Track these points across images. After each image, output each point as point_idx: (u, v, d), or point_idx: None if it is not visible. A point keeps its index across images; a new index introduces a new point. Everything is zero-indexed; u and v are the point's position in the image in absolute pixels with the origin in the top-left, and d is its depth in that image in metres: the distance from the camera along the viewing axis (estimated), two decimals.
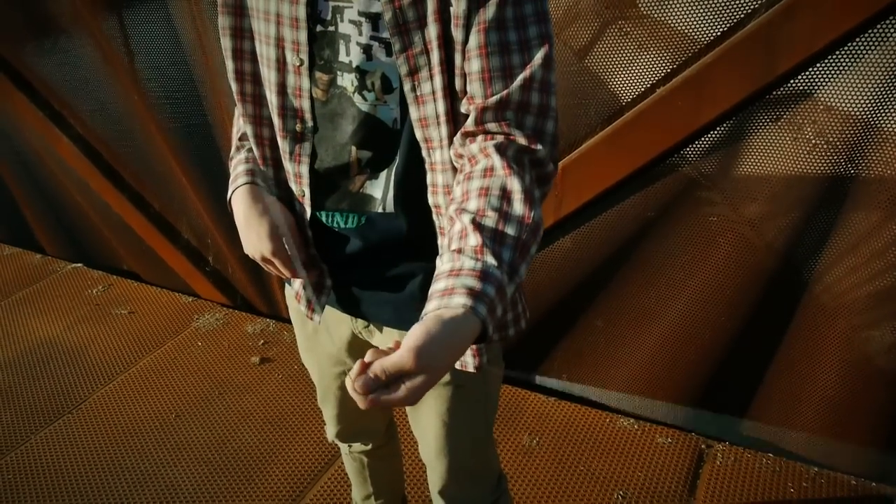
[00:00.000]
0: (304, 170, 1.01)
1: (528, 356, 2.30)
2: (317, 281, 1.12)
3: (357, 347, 1.22)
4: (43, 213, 3.34)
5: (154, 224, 2.90)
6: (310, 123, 0.98)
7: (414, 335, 0.69)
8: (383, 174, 0.98)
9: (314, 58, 0.93)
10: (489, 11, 0.83)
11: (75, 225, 3.24)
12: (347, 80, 0.93)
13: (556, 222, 1.99)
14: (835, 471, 1.97)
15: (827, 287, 1.75)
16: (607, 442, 2.13)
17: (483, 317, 0.72)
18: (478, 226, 0.78)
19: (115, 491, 2.06)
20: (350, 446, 1.53)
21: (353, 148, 0.96)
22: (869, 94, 1.52)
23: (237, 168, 1.08)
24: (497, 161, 0.83)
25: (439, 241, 1.00)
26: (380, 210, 1.00)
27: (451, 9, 0.84)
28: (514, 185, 0.82)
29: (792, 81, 1.57)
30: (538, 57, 0.85)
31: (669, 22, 1.63)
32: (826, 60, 1.52)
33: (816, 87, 1.56)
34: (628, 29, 1.68)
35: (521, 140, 0.86)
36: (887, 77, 1.49)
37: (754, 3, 1.53)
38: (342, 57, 0.92)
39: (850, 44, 1.49)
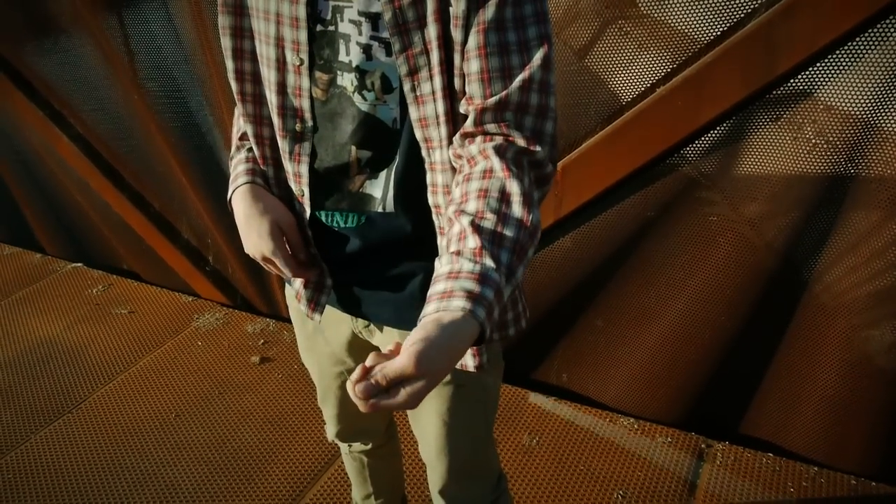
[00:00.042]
0: (304, 169, 1.01)
1: (529, 356, 2.30)
2: (317, 280, 1.12)
3: (357, 347, 1.22)
4: (43, 212, 3.34)
5: (154, 224, 2.90)
6: (309, 123, 0.98)
7: (414, 340, 0.69)
8: (383, 174, 0.98)
9: (314, 57, 0.93)
10: (488, 12, 0.83)
11: (75, 224, 3.24)
12: (347, 80, 0.93)
13: (556, 222, 1.99)
14: (835, 470, 1.97)
15: (827, 286, 1.75)
16: (607, 441, 2.13)
17: (481, 320, 0.72)
18: (476, 228, 0.78)
19: (115, 490, 2.06)
20: (350, 446, 1.53)
21: (353, 147, 0.97)
22: (869, 93, 1.52)
23: (237, 168, 1.08)
24: (496, 163, 0.83)
25: (439, 241, 1.00)
26: (380, 210, 1.00)
27: (451, 9, 0.84)
28: (513, 188, 0.82)
29: (792, 81, 1.57)
30: (537, 58, 0.85)
31: (669, 21, 1.63)
32: (826, 60, 1.52)
33: (816, 87, 1.56)
34: (628, 28, 1.68)
35: (520, 141, 0.86)
36: (887, 77, 1.49)
37: (754, 2, 1.53)
38: (342, 56, 0.92)
39: (850, 43, 1.49)
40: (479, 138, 0.87)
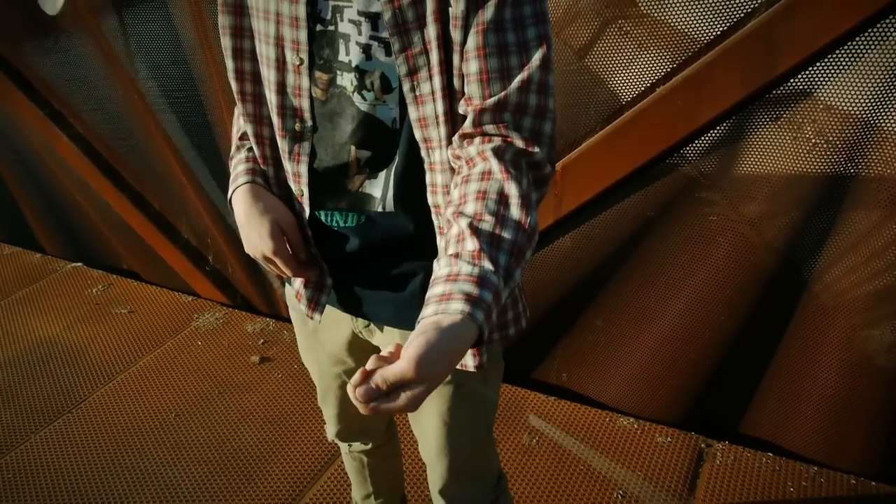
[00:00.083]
0: (303, 169, 1.01)
1: (529, 355, 2.30)
2: (317, 280, 1.12)
3: (357, 347, 1.22)
4: (43, 212, 3.34)
5: (154, 223, 2.90)
6: (309, 123, 0.98)
7: (414, 345, 0.69)
8: (382, 174, 0.98)
9: (314, 57, 0.93)
10: (488, 13, 0.83)
11: (75, 224, 3.24)
12: (347, 80, 0.93)
13: (556, 221, 1.99)
14: (834, 470, 1.97)
15: (827, 286, 1.76)
16: (607, 441, 2.13)
17: (480, 322, 0.73)
18: (475, 230, 0.78)
19: (115, 490, 2.06)
20: (350, 446, 1.53)
21: (353, 147, 0.97)
22: (869, 93, 1.52)
23: (237, 167, 1.08)
24: (495, 165, 0.83)
25: (438, 241, 1.00)
26: (379, 209, 1.00)
27: (450, 9, 0.84)
28: (512, 190, 0.82)
29: (792, 81, 1.57)
30: (536, 58, 0.85)
31: (669, 21, 1.63)
32: (826, 60, 1.52)
33: (816, 87, 1.56)
34: (628, 28, 1.68)
35: (519, 142, 0.86)
36: (887, 77, 1.49)
37: (754, 2, 1.53)
38: (342, 56, 0.92)
39: (849, 43, 1.49)
40: (477, 139, 0.87)
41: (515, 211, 0.81)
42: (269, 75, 0.97)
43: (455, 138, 0.89)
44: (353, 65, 0.91)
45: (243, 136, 1.11)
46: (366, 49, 0.90)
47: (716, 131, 1.70)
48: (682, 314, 1.97)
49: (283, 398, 2.41)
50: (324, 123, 0.97)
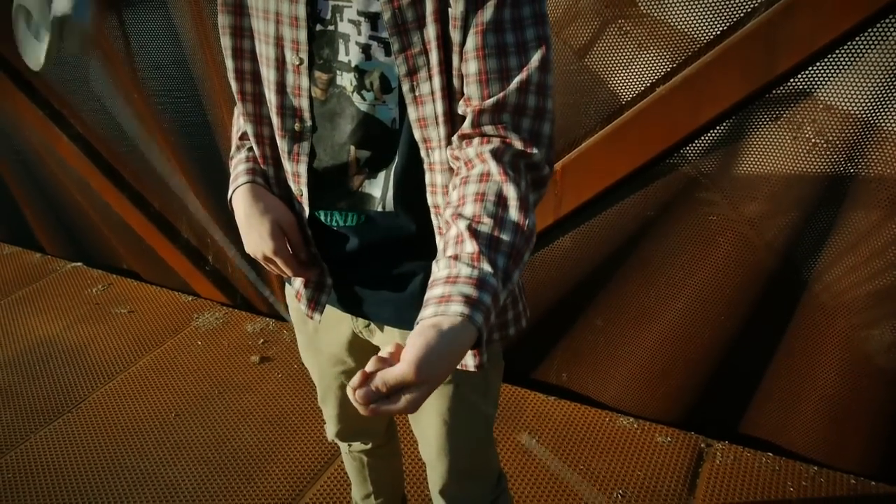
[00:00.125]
0: (303, 169, 1.01)
1: (528, 355, 2.30)
2: (317, 280, 1.12)
3: (357, 347, 1.22)
4: (43, 212, 3.34)
5: (154, 223, 2.90)
6: (308, 123, 0.98)
7: (414, 347, 0.69)
8: (382, 174, 0.98)
9: (313, 57, 0.93)
10: (487, 13, 0.83)
11: (75, 224, 3.24)
12: (346, 80, 0.93)
13: (556, 221, 1.99)
14: (834, 470, 1.97)
15: (826, 286, 1.76)
16: (607, 441, 2.13)
17: (479, 325, 0.73)
18: (474, 232, 0.79)
19: (115, 490, 2.06)
20: (350, 445, 1.53)
21: (352, 147, 0.97)
22: (869, 93, 1.52)
23: (237, 167, 1.08)
24: (493, 166, 0.83)
25: (438, 241, 1.00)
26: (379, 209, 1.00)
27: (450, 10, 0.84)
28: (510, 192, 0.82)
29: (792, 80, 1.57)
30: (535, 59, 0.85)
31: (669, 21, 1.63)
32: (826, 59, 1.52)
33: (816, 86, 1.56)
34: (628, 28, 1.68)
35: (518, 144, 0.86)
36: (887, 76, 1.49)
37: (754, 2, 1.53)
38: (341, 56, 0.92)
39: (849, 43, 1.49)
40: (476, 140, 0.87)
41: (514, 213, 0.81)
42: (268, 75, 0.97)
43: (454, 139, 0.89)
44: (353, 65, 0.91)
45: (243, 136, 1.11)
46: (365, 49, 0.90)
47: (716, 131, 1.70)
48: (682, 314, 1.97)
49: (282, 398, 2.41)
50: (323, 123, 0.97)
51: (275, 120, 1.00)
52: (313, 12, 0.91)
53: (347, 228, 1.03)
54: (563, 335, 2.20)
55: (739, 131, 1.68)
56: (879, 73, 1.49)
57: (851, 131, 1.57)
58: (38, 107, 2.90)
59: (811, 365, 1.86)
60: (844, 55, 1.50)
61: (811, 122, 1.59)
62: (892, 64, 1.47)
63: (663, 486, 1.97)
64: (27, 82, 2.88)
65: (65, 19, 0.76)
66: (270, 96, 0.98)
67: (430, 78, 0.88)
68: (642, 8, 1.65)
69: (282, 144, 1.01)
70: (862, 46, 1.48)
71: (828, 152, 1.61)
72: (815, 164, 1.63)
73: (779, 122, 1.63)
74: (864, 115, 1.54)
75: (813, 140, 1.61)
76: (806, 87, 1.57)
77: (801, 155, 1.63)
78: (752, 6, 1.53)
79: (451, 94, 0.88)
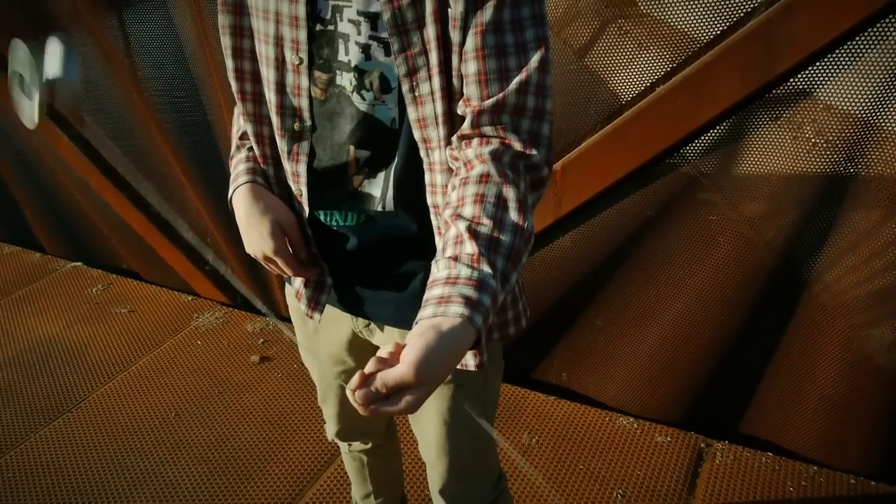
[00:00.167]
0: (302, 169, 1.01)
1: (528, 355, 2.30)
2: (317, 280, 1.12)
3: (358, 346, 1.22)
4: (43, 211, 3.34)
5: (154, 223, 2.90)
6: (308, 122, 0.98)
7: (414, 348, 0.69)
8: (382, 173, 0.98)
9: (313, 57, 0.93)
10: (486, 14, 0.83)
11: (75, 224, 3.24)
12: (346, 80, 0.93)
13: (556, 221, 1.99)
14: (834, 469, 1.97)
15: (826, 286, 1.76)
16: (607, 441, 2.13)
17: (479, 326, 0.73)
18: (473, 233, 0.79)
19: (115, 489, 2.06)
20: (350, 445, 1.53)
21: (352, 147, 0.97)
22: (869, 93, 1.52)
23: (238, 167, 1.08)
24: (493, 168, 0.83)
25: (437, 241, 1.00)
26: (379, 209, 1.00)
27: (450, 10, 0.84)
28: (510, 194, 0.82)
29: (791, 80, 1.57)
30: (534, 60, 0.85)
31: (669, 20, 1.63)
32: (826, 59, 1.52)
33: (816, 86, 1.56)
34: (628, 27, 1.68)
35: (517, 145, 0.86)
36: (887, 76, 1.49)
37: (754, 1, 1.53)
38: (341, 56, 0.92)
39: (849, 42, 1.49)
40: (475, 141, 0.87)
41: (513, 215, 0.81)
42: (268, 74, 0.97)
43: (453, 139, 0.89)
44: (353, 65, 0.91)
45: (243, 136, 1.11)
46: (365, 49, 0.90)
47: (716, 131, 1.70)
48: (682, 314, 1.97)
49: (282, 398, 2.41)
50: (323, 123, 0.97)
51: (274, 119, 1.00)
52: (313, 12, 0.91)
53: (347, 228, 1.03)
54: (563, 335, 2.20)
55: (739, 131, 1.68)
56: (879, 73, 1.49)
57: (851, 131, 1.57)
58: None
59: (811, 364, 1.87)
60: (844, 55, 1.50)
61: (811, 122, 1.59)
62: (892, 64, 1.47)
63: (663, 486, 1.97)
64: None
65: (55, 80, 0.80)
66: (270, 96, 0.98)
67: (430, 78, 0.88)
68: (642, 8, 1.65)
69: (281, 144, 1.01)
70: (862, 46, 1.48)
71: (828, 152, 1.61)
72: (815, 164, 1.63)
73: (779, 122, 1.63)
74: (863, 115, 1.54)
75: (813, 140, 1.61)
76: (806, 86, 1.57)
77: (801, 155, 1.63)
78: (751, 6, 1.53)
79: (450, 95, 0.88)
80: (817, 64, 1.53)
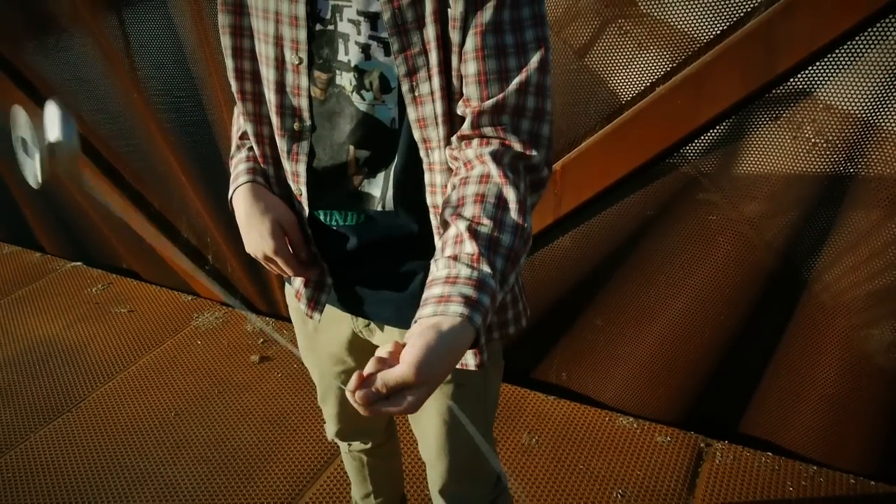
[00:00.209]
0: (302, 168, 1.01)
1: (528, 354, 2.30)
2: (317, 279, 1.12)
3: (358, 346, 1.22)
4: (42, 211, 3.34)
5: (154, 223, 2.90)
6: (308, 122, 0.98)
7: (414, 348, 0.69)
8: (381, 173, 0.98)
9: (313, 56, 0.93)
10: (486, 14, 0.83)
11: (75, 223, 3.24)
12: (346, 80, 0.93)
13: (556, 221, 1.99)
14: (833, 469, 1.97)
15: (826, 285, 1.76)
16: (606, 440, 2.13)
17: (478, 326, 0.73)
18: (474, 233, 0.79)
19: (115, 489, 2.06)
20: (350, 445, 1.53)
21: (351, 147, 0.97)
22: (868, 93, 1.52)
23: (238, 167, 1.08)
24: (493, 168, 0.83)
25: (436, 241, 1.00)
26: (379, 208, 1.00)
27: (449, 10, 0.84)
28: (510, 195, 0.82)
29: (791, 80, 1.57)
30: (534, 60, 0.85)
31: (669, 20, 1.63)
32: (826, 59, 1.52)
33: (816, 86, 1.56)
34: (628, 27, 1.68)
35: (517, 145, 0.86)
36: (887, 76, 1.49)
37: (754, 1, 1.53)
38: (341, 56, 0.92)
39: (849, 43, 1.49)
40: (475, 141, 0.87)
41: (513, 216, 0.81)
42: (268, 74, 0.97)
43: (453, 139, 0.89)
44: (352, 64, 0.91)
45: (243, 136, 1.11)
46: (365, 49, 0.90)
47: (715, 131, 1.70)
48: (682, 313, 1.97)
49: (282, 397, 2.41)
50: (322, 123, 0.97)
51: (274, 119, 1.00)
52: (313, 12, 0.91)
53: (347, 228, 1.03)
54: (562, 335, 2.20)
55: (739, 131, 1.68)
56: (879, 73, 1.49)
57: (851, 131, 1.57)
58: (38, 106, 2.90)
59: (811, 364, 1.87)
60: (844, 55, 1.50)
61: (811, 122, 1.59)
62: (892, 64, 1.47)
63: (663, 486, 1.97)
64: (27, 81, 2.88)
65: (56, 144, 0.84)
66: (270, 95, 0.98)
67: (430, 78, 0.88)
68: (642, 7, 1.65)
69: (281, 144, 1.01)
70: (862, 46, 1.48)
71: (828, 152, 1.61)
72: (814, 163, 1.63)
73: (778, 122, 1.63)
74: (863, 115, 1.54)
75: (813, 140, 1.61)
76: (806, 86, 1.57)
77: (801, 155, 1.64)
78: (751, 6, 1.53)
79: (450, 95, 0.88)
80: (817, 64, 1.53)
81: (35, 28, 2.70)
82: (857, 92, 1.52)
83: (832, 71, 1.53)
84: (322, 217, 1.04)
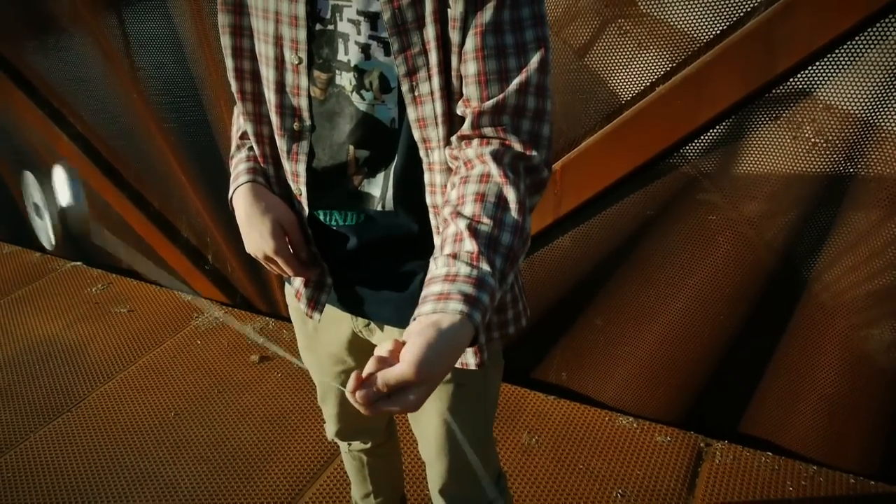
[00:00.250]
0: (302, 168, 1.01)
1: (528, 354, 2.30)
2: (317, 279, 1.12)
3: (357, 346, 1.22)
4: None
5: (153, 222, 2.90)
6: (307, 122, 0.98)
7: (414, 346, 0.69)
8: (381, 173, 0.98)
9: (313, 56, 0.93)
10: (486, 14, 0.83)
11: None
12: (346, 79, 0.93)
13: (556, 221, 1.99)
14: (833, 469, 1.97)
15: (826, 285, 1.76)
16: (606, 440, 2.13)
17: (477, 323, 0.73)
18: (474, 231, 0.79)
19: (115, 489, 2.06)
20: (349, 444, 1.53)
21: (351, 147, 0.97)
22: (868, 92, 1.52)
23: (238, 167, 1.08)
24: (493, 168, 0.83)
25: (436, 240, 1.00)
26: (379, 208, 1.00)
27: (449, 10, 0.84)
28: (510, 195, 0.82)
29: (791, 80, 1.57)
30: (534, 61, 0.85)
31: (669, 20, 1.63)
32: (825, 59, 1.52)
33: (816, 86, 1.56)
34: (628, 27, 1.68)
35: (517, 146, 0.86)
36: (887, 76, 1.49)
37: (753, 1, 1.53)
38: (340, 56, 0.92)
39: (849, 42, 1.49)
40: (475, 141, 0.87)
41: (513, 215, 0.81)
42: (267, 74, 0.97)
43: (453, 139, 0.89)
44: (352, 64, 0.91)
45: (243, 136, 1.11)
46: (365, 49, 0.90)
47: (715, 131, 1.70)
48: (682, 313, 1.97)
49: (282, 397, 2.41)
50: (322, 123, 0.97)
51: (274, 119, 1.00)
52: (313, 11, 0.91)
53: (347, 228, 1.03)
54: (562, 334, 2.20)
55: (739, 131, 1.68)
56: (879, 73, 1.49)
57: (851, 131, 1.57)
58: (38, 106, 2.90)
59: (810, 364, 1.87)
60: (844, 55, 1.50)
61: (811, 122, 1.59)
62: (892, 64, 1.47)
63: (663, 486, 1.97)
64: (27, 81, 2.88)
65: (67, 208, 0.86)
66: (270, 95, 0.98)
67: (430, 78, 0.88)
68: (642, 7, 1.65)
69: (281, 143, 1.01)
70: (862, 46, 1.48)
71: (827, 152, 1.61)
72: (814, 163, 1.63)
73: (778, 122, 1.63)
74: (863, 115, 1.54)
75: (812, 140, 1.61)
76: (805, 86, 1.57)
77: (801, 155, 1.64)
78: (751, 6, 1.53)
79: (450, 95, 0.88)
80: (817, 64, 1.53)
81: (35, 28, 2.70)
82: (857, 92, 1.52)
83: (832, 71, 1.53)
84: (322, 217, 1.04)
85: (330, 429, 1.47)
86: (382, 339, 1.15)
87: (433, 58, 0.86)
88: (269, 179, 1.07)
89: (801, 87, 1.57)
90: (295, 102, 0.97)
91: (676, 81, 1.66)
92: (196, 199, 2.69)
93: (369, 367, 0.71)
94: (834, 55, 1.51)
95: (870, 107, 1.53)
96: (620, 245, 1.96)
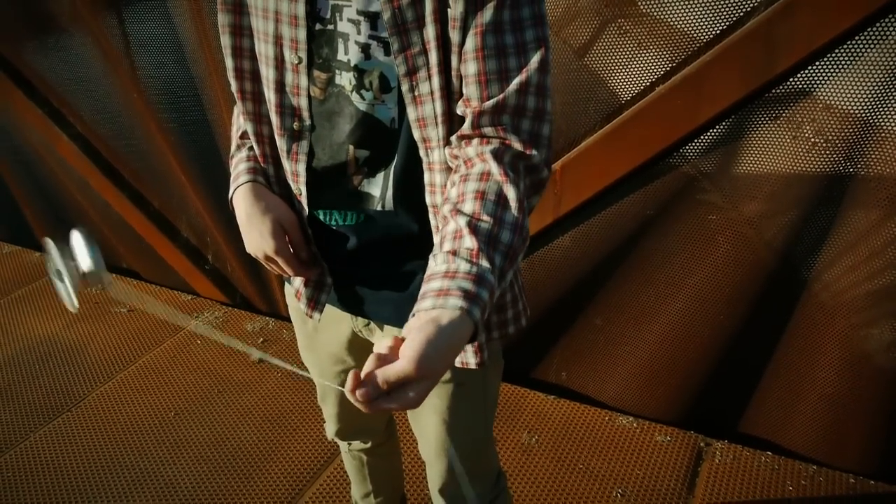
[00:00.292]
0: (301, 168, 1.01)
1: (528, 354, 2.30)
2: (317, 279, 1.12)
3: (357, 346, 1.22)
4: (42, 211, 3.34)
5: (153, 222, 2.90)
6: (307, 122, 0.98)
7: (414, 342, 0.69)
8: (381, 173, 0.98)
9: (312, 56, 0.93)
10: (486, 14, 0.83)
11: (75, 223, 3.23)
12: (345, 79, 0.93)
13: (556, 220, 1.99)
14: (833, 469, 1.97)
15: (826, 285, 1.76)
16: (606, 440, 2.13)
17: (476, 320, 0.73)
18: (473, 228, 0.79)
19: (115, 489, 2.06)
20: (349, 444, 1.54)
21: (351, 147, 0.97)
22: (868, 92, 1.52)
23: (238, 166, 1.08)
24: (494, 167, 0.83)
25: (435, 238, 1.00)
26: (378, 208, 1.00)
27: (449, 10, 0.84)
28: (510, 193, 0.82)
29: (791, 80, 1.57)
30: (534, 61, 0.85)
31: (669, 20, 1.63)
32: (825, 58, 1.52)
33: (816, 86, 1.56)
34: (628, 27, 1.68)
35: (517, 145, 0.86)
36: (887, 76, 1.49)
37: (753, 1, 1.53)
38: (340, 55, 0.92)
39: (849, 42, 1.49)
40: (475, 141, 0.87)
41: (513, 213, 0.82)
42: (267, 74, 0.97)
43: (453, 139, 0.89)
44: (352, 64, 0.91)
45: (244, 135, 1.11)
46: (365, 48, 0.90)
47: (715, 130, 1.70)
48: (682, 313, 1.97)
49: (282, 397, 2.41)
50: (322, 122, 0.97)
51: (274, 119, 1.00)
52: (313, 11, 0.91)
53: (347, 227, 1.03)
54: (562, 334, 2.20)
55: (739, 130, 1.68)
56: (879, 73, 1.49)
57: (851, 131, 1.57)
58: (38, 105, 2.90)
59: (810, 364, 1.87)
60: (844, 55, 1.50)
61: (810, 122, 1.59)
62: (891, 64, 1.47)
63: (663, 485, 1.97)
64: (27, 81, 2.88)
65: (89, 272, 0.91)
66: (269, 95, 0.98)
67: (430, 78, 0.88)
68: (642, 7, 1.65)
69: (281, 143, 1.01)
70: (862, 46, 1.48)
71: (827, 152, 1.61)
72: (814, 163, 1.63)
73: (778, 122, 1.63)
74: (863, 115, 1.54)
75: (812, 140, 1.61)
76: (805, 86, 1.57)
77: (801, 154, 1.64)
78: (751, 6, 1.53)
79: (450, 94, 0.89)
80: (817, 64, 1.53)
81: (35, 28, 2.70)
82: (857, 92, 1.52)
83: (832, 71, 1.53)
84: (322, 217, 1.04)
85: (330, 428, 1.47)
86: (382, 339, 1.15)
87: (433, 57, 0.86)
88: (269, 179, 1.07)
89: (800, 86, 1.57)
90: (295, 102, 0.97)
91: (676, 81, 1.66)
92: (196, 199, 2.69)
93: (368, 364, 0.71)
94: (834, 55, 1.51)
95: (870, 107, 1.53)
96: (620, 245, 1.96)
